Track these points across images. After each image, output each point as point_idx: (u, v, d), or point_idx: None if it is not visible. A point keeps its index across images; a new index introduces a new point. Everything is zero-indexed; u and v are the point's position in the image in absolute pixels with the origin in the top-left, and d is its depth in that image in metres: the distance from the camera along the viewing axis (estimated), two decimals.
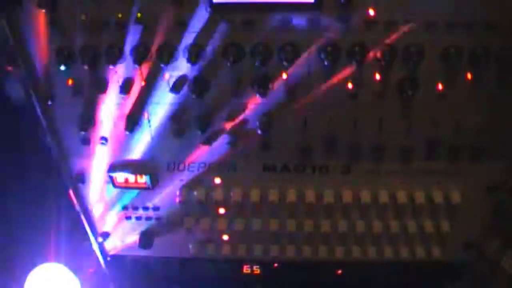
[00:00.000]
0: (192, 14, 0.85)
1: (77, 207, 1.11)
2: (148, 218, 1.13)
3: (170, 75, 0.92)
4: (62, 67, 0.90)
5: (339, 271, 1.19)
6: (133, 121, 0.97)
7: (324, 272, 1.20)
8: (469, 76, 0.87)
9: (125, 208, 1.12)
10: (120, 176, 1.05)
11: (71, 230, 1.16)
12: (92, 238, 1.16)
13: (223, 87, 0.92)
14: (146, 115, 0.97)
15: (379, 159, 0.99)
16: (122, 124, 0.97)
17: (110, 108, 0.97)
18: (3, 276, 1.14)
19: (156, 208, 1.11)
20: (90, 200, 1.11)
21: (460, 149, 0.96)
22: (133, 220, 1.14)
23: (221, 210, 1.09)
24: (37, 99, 0.96)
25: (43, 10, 0.85)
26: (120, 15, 0.86)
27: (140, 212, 1.12)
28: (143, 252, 1.17)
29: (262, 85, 0.89)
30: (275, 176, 1.03)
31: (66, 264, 1.13)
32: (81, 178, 1.07)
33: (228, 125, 0.97)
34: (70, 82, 0.94)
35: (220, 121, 0.96)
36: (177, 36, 0.87)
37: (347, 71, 0.88)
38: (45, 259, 1.12)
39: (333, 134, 0.96)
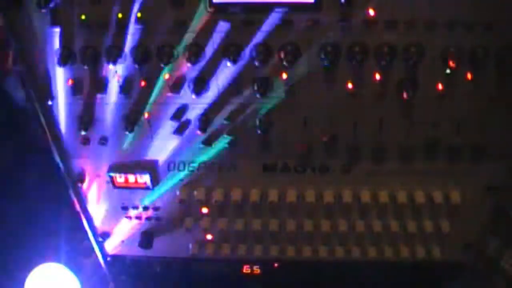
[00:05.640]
0: (192, 14, 0.85)
1: (77, 207, 1.11)
2: (148, 218, 1.13)
3: (170, 75, 0.92)
4: (62, 67, 0.90)
5: (339, 271, 1.19)
6: (133, 121, 0.97)
7: (324, 272, 1.20)
8: (469, 76, 0.87)
9: (125, 208, 1.12)
10: (120, 176, 1.05)
11: (71, 230, 1.16)
12: (92, 238, 1.16)
13: (223, 87, 0.92)
14: (146, 115, 0.97)
15: (379, 159, 0.99)
16: (122, 124, 0.97)
17: (110, 108, 0.97)
18: (3, 276, 1.14)
19: (156, 208, 1.11)
20: (90, 200, 1.11)
21: (460, 149, 0.96)
22: (133, 220, 1.14)
23: (221, 210, 1.09)
24: (37, 99, 0.96)
25: (43, 10, 0.85)
26: (120, 15, 0.86)
27: (140, 212, 1.12)
28: (143, 252, 1.17)
29: (262, 85, 0.89)
30: (275, 176, 1.03)
31: (66, 264, 1.13)
32: (81, 178, 1.06)
33: (228, 125, 0.97)
34: (70, 82, 0.94)
35: (220, 121, 0.96)
36: (177, 36, 0.87)
37: (347, 71, 0.88)
38: (45, 259, 1.12)
39: (333, 134, 0.96)
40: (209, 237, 1.13)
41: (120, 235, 1.17)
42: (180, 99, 0.95)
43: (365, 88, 0.90)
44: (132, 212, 1.12)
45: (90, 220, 1.14)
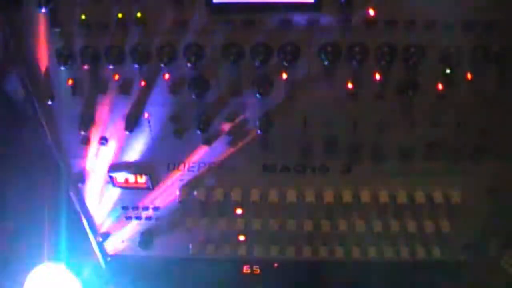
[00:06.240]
0: (192, 14, 0.85)
1: (77, 207, 1.11)
2: (148, 218, 1.13)
3: (170, 75, 0.92)
4: (62, 67, 0.90)
5: (339, 271, 1.19)
6: (133, 121, 0.97)
7: (324, 272, 1.20)
8: (469, 76, 0.87)
9: (125, 208, 1.12)
10: (120, 176, 1.05)
11: (71, 230, 1.16)
12: (92, 238, 1.16)
13: (223, 87, 0.92)
14: (146, 115, 0.97)
15: (379, 159, 0.99)
16: (122, 124, 0.97)
17: (110, 108, 0.97)
18: (3, 276, 1.14)
19: (156, 208, 1.11)
20: (90, 200, 1.11)
21: (460, 149, 0.96)
22: (133, 220, 1.14)
23: (221, 210, 1.09)
24: (37, 99, 0.96)
25: (43, 10, 0.85)
26: (120, 15, 0.86)
27: (140, 212, 1.12)
28: (143, 252, 1.17)
29: (262, 85, 0.89)
30: (275, 176, 1.03)
31: (66, 264, 1.13)
32: (81, 178, 1.07)
33: (228, 125, 0.97)
34: (70, 82, 0.94)
35: (220, 121, 0.96)
36: (177, 36, 0.87)
37: (347, 71, 0.88)
38: (45, 259, 1.12)
39: (333, 134, 0.96)
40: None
41: (120, 235, 1.17)
42: (180, 99, 0.95)
43: (365, 88, 0.90)
44: (132, 212, 1.12)
45: (90, 220, 1.14)
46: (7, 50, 0.90)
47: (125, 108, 0.96)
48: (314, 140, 0.98)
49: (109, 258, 1.22)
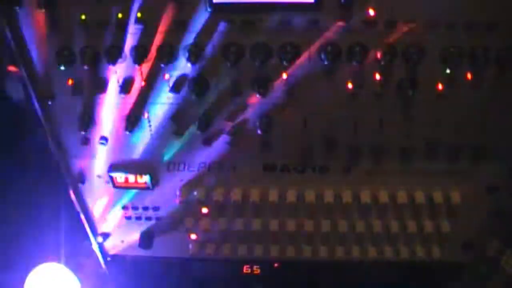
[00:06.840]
0: (192, 14, 0.85)
1: (77, 207, 1.11)
2: (148, 218, 1.13)
3: (170, 75, 0.92)
4: (62, 67, 0.90)
5: (339, 271, 1.19)
6: (133, 121, 0.97)
7: (324, 272, 1.20)
8: (469, 76, 0.87)
9: (125, 208, 1.12)
10: (120, 176, 1.05)
11: (71, 230, 1.16)
12: (92, 238, 1.16)
13: (223, 87, 0.92)
14: (146, 115, 0.97)
15: (379, 159, 0.99)
16: (122, 124, 0.97)
17: (110, 108, 0.97)
18: (3, 276, 1.14)
19: (156, 208, 1.11)
20: (90, 200, 1.11)
21: (460, 149, 0.96)
22: (133, 220, 1.14)
23: (222, 210, 1.09)
24: (37, 99, 0.96)
25: (43, 10, 0.85)
26: (120, 15, 0.86)
27: (140, 212, 1.12)
28: (143, 252, 1.17)
29: (262, 85, 0.89)
30: (275, 176, 1.03)
31: (66, 264, 1.13)
32: (81, 178, 1.06)
33: (228, 125, 0.97)
34: (70, 82, 0.94)
35: (220, 121, 0.96)
36: (177, 36, 0.87)
37: (347, 71, 0.88)
38: (45, 259, 1.12)
39: (333, 134, 0.96)
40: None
41: (120, 235, 1.17)
42: (180, 99, 0.95)
43: (365, 88, 0.90)
44: (132, 212, 1.12)
45: (90, 220, 1.14)
46: (7, 49, 0.90)
47: (125, 108, 0.96)
48: (314, 140, 0.98)
49: (109, 258, 1.22)
